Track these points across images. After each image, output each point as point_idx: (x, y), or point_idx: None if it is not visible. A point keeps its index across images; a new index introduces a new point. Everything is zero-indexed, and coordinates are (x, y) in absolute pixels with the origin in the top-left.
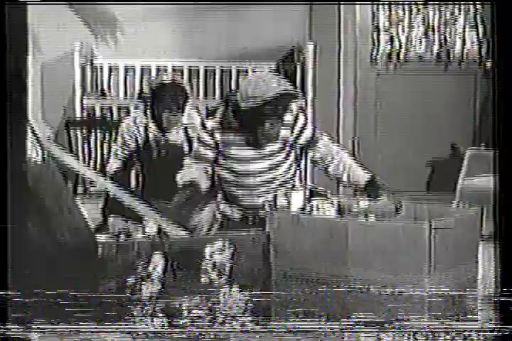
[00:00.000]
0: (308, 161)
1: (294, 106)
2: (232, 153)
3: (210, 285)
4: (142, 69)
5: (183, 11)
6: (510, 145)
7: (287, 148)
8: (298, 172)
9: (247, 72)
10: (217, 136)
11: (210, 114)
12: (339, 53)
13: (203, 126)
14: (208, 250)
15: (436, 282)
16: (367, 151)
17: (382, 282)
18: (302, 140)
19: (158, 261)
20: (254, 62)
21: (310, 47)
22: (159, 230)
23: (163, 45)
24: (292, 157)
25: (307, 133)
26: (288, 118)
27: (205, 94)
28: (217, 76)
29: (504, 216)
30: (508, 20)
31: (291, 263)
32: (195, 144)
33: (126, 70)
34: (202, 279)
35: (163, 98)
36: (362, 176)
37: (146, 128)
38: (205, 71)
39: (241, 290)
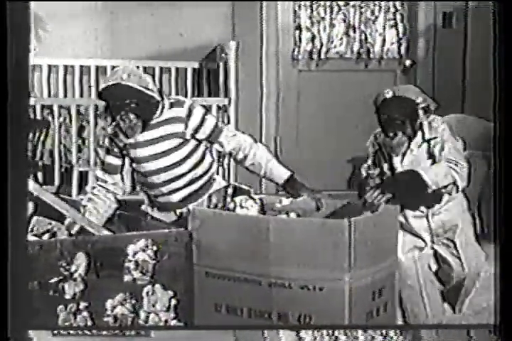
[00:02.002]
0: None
1: (186, 101)
2: (130, 154)
3: (133, 284)
4: (66, 69)
5: (106, 9)
6: (510, 148)
7: (189, 144)
8: (216, 166)
9: (170, 70)
10: (117, 140)
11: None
12: (261, 51)
13: (107, 133)
14: (130, 249)
15: (356, 278)
16: (289, 150)
17: (302, 278)
18: (201, 134)
19: (80, 260)
20: (176, 61)
21: (232, 45)
22: (82, 229)
23: (86, 45)
24: (200, 152)
25: (205, 126)
26: (178, 113)
27: None
28: None
29: (504, 216)
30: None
31: (213, 261)
32: (101, 154)
33: (50, 69)
34: (125, 278)
35: None
36: (281, 173)
37: None
38: None
39: (164, 289)
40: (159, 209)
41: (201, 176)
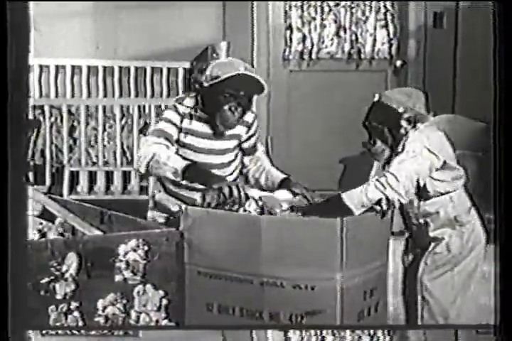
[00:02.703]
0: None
1: (253, 107)
2: (190, 142)
3: (124, 284)
4: (57, 69)
5: (96, 9)
6: (510, 148)
7: (238, 149)
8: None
9: (161, 71)
10: (185, 121)
11: (180, 99)
12: (252, 52)
13: (176, 108)
14: (121, 249)
15: (347, 277)
16: (279, 150)
17: (294, 277)
18: (248, 143)
19: (71, 261)
20: (167, 61)
21: (223, 45)
22: (73, 229)
23: (77, 45)
24: (239, 158)
25: (255, 137)
26: (248, 117)
27: (120, 94)
28: (132, 75)
29: (504, 216)
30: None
31: (205, 260)
32: (159, 124)
33: (41, 69)
34: (116, 277)
35: None
36: (277, 177)
37: None
38: (120, 70)
39: (155, 289)
40: (175, 201)
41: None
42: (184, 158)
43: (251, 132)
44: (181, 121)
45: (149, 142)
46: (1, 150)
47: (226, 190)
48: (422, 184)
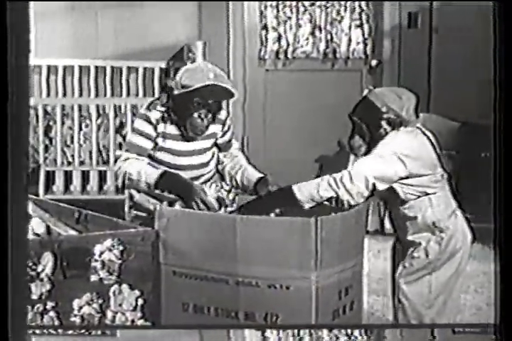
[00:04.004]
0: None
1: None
2: (166, 145)
3: (100, 284)
4: (33, 68)
5: (73, 9)
6: (510, 148)
7: (214, 147)
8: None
9: (137, 70)
10: (159, 127)
11: (151, 105)
12: (228, 51)
13: (147, 118)
14: (97, 248)
15: (322, 276)
16: (256, 149)
17: (269, 277)
18: (222, 140)
19: (47, 260)
20: (144, 60)
21: (199, 45)
22: (48, 229)
23: (52, 45)
24: (216, 155)
25: (229, 134)
26: (221, 115)
27: (96, 93)
28: (108, 74)
29: (504, 216)
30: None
31: (180, 260)
32: (129, 135)
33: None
34: (92, 277)
35: None
36: (253, 175)
37: None
38: (96, 69)
39: (131, 288)
40: (154, 202)
41: (210, 179)
42: (162, 163)
43: (225, 128)
44: (155, 128)
45: (122, 158)
46: (1, 150)
47: (202, 201)
48: (380, 188)
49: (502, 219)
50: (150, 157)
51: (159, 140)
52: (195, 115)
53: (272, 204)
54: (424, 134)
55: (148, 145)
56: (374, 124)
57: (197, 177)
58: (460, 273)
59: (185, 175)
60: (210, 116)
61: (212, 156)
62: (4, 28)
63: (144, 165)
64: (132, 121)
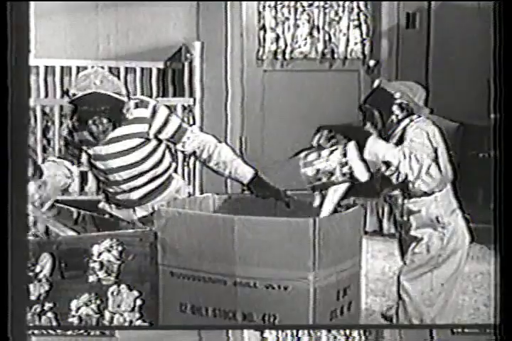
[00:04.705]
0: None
1: (151, 101)
2: (90, 152)
3: (98, 284)
4: (31, 69)
5: (68, 9)
6: (510, 148)
7: (151, 144)
8: (174, 165)
9: (135, 71)
10: (76, 135)
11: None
12: (226, 52)
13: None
14: (95, 249)
15: (320, 277)
16: (254, 149)
17: (267, 278)
18: (164, 134)
19: (45, 261)
20: (141, 61)
21: (197, 45)
22: (47, 230)
23: (49, 45)
24: (161, 151)
25: (169, 126)
26: (142, 114)
27: None
28: None
29: (504, 216)
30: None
31: (178, 261)
32: (60, 143)
33: None
34: (90, 278)
35: None
36: (245, 172)
37: None
38: None
39: (129, 289)
40: (118, 206)
41: (161, 175)
42: (98, 169)
43: (156, 124)
44: (72, 135)
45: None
46: (2, 150)
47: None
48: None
49: (502, 219)
50: (91, 165)
51: (84, 147)
52: (90, 122)
53: None
54: (436, 125)
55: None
56: (386, 110)
57: (134, 177)
58: (460, 273)
59: (120, 176)
60: (106, 121)
61: (150, 154)
62: (4, 28)
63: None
64: None
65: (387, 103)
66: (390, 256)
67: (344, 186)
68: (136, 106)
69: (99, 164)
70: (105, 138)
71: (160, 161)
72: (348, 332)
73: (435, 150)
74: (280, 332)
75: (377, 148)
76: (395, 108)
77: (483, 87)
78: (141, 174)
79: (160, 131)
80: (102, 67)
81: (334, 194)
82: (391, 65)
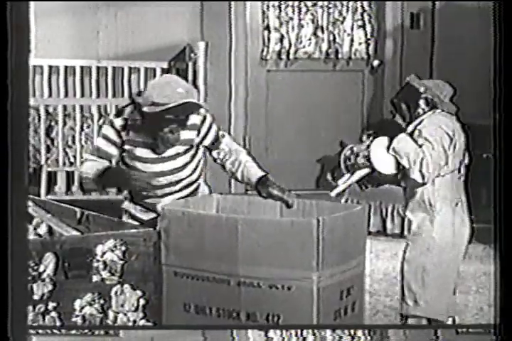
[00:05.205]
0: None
1: (202, 107)
2: (136, 153)
3: (101, 284)
4: (34, 69)
5: (75, 9)
6: (510, 148)
7: (193, 150)
8: (204, 173)
9: (139, 70)
10: (124, 134)
11: (119, 112)
12: (230, 51)
13: (111, 123)
14: (99, 249)
15: (324, 277)
16: (258, 149)
17: (271, 278)
18: (207, 141)
19: (49, 261)
20: (145, 60)
21: (201, 45)
22: (50, 229)
23: (54, 45)
24: (198, 158)
25: (212, 133)
26: (194, 120)
27: (98, 94)
28: (109, 75)
29: (504, 216)
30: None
31: (182, 260)
32: (97, 140)
33: None
34: (93, 278)
35: None
36: (254, 174)
37: None
38: (97, 70)
39: (133, 289)
40: (143, 209)
41: (193, 182)
42: (136, 170)
43: (203, 131)
44: (119, 135)
45: (83, 159)
46: (1, 150)
47: None
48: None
49: (502, 219)
50: (125, 164)
51: (127, 147)
52: (167, 130)
53: None
54: (460, 121)
55: (112, 150)
56: (413, 104)
57: (173, 183)
58: (454, 268)
59: (158, 181)
60: (180, 128)
61: (191, 160)
62: (4, 28)
63: (92, 163)
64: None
65: (414, 97)
66: (393, 256)
67: (363, 171)
68: (192, 111)
69: (140, 166)
70: (174, 145)
71: (195, 168)
72: (352, 332)
73: (448, 138)
74: (285, 332)
75: (402, 146)
76: (421, 102)
77: (486, 86)
78: (179, 181)
79: (205, 137)
80: (106, 67)
81: (352, 176)
82: (395, 65)
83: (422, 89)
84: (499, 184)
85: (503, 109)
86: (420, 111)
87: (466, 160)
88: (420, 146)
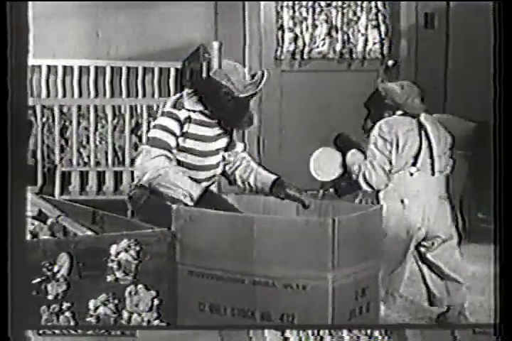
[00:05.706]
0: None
1: None
2: (188, 146)
3: (116, 284)
4: (49, 69)
5: (89, 9)
6: (510, 148)
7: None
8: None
9: (153, 70)
10: (186, 126)
11: (178, 104)
12: (244, 52)
13: (174, 115)
14: (113, 249)
15: (339, 277)
16: (272, 150)
17: (286, 277)
18: (228, 139)
19: (63, 261)
20: (159, 61)
21: (215, 45)
22: (65, 229)
23: (68, 45)
24: (222, 158)
25: (234, 132)
26: None
27: (112, 94)
28: (124, 75)
29: (504, 216)
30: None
31: (197, 260)
32: (152, 131)
33: (33, 70)
34: (108, 278)
35: None
36: (268, 177)
37: None
38: (112, 70)
39: (147, 289)
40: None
41: (214, 181)
42: (183, 164)
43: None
44: (181, 128)
45: (151, 154)
46: (1, 151)
47: None
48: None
49: (502, 219)
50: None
51: (180, 140)
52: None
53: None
54: (421, 126)
55: (172, 142)
56: (379, 109)
57: (210, 178)
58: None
59: (203, 175)
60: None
61: (223, 158)
62: (4, 28)
63: (181, 172)
64: (149, 122)
65: (379, 103)
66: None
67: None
68: None
69: (193, 159)
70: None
71: (223, 167)
72: (369, 331)
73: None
74: (301, 332)
75: (350, 161)
76: (383, 106)
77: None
78: (213, 176)
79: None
80: (120, 68)
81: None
82: (410, 65)
83: (383, 94)
84: (499, 184)
85: (504, 109)
86: (386, 114)
87: (451, 161)
88: (365, 158)
